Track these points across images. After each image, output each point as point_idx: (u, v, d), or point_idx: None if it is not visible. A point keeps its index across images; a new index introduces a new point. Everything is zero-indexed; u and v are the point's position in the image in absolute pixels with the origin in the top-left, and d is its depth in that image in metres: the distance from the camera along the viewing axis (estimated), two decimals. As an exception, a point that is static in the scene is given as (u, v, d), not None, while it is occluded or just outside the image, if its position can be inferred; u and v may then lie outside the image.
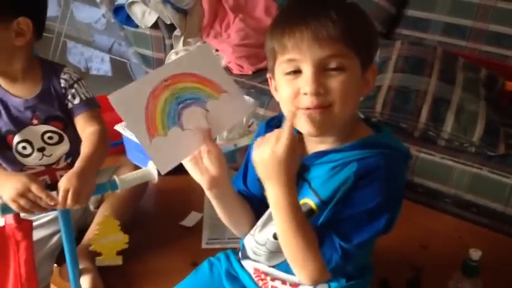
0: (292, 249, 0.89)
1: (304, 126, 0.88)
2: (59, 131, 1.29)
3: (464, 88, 1.85)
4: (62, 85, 1.28)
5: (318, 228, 0.89)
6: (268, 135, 0.88)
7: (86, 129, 1.28)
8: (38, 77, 1.28)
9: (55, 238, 1.31)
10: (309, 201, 0.93)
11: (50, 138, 1.29)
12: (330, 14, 0.84)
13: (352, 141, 0.91)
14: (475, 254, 1.10)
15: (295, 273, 0.92)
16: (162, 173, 0.90)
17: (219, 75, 0.95)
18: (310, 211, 0.92)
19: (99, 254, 1.22)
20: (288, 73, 0.87)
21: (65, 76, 1.29)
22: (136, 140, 1.60)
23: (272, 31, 0.90)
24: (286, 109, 0.90)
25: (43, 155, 1.29)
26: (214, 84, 0.94)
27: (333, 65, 0.84)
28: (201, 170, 0.93)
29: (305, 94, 0.85)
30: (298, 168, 0.89)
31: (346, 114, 0.87)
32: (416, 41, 2.26)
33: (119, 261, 1.23)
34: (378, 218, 0.86)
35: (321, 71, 0.84)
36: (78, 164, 1.16)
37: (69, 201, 1.08)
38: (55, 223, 1.28)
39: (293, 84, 0.87)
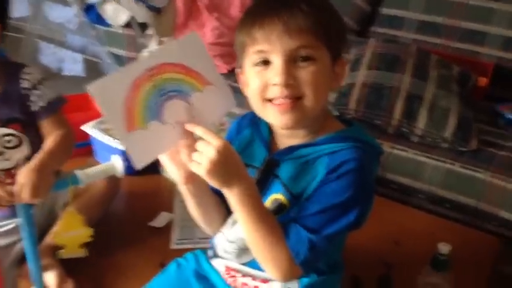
0: (259, 246, 0.88)
1: (276, 119, 0.88)
2: (18, 134, 1.25)
3: (437, 85, 1.86)
4: (24, 86, 1.24)
5: (286, 223, 0.88)
6: (195, 153, 0.84)
7: (52, 132, 1.25)
8: (0, 79, 1.23)
9: (17, 247, 1.27)
10: (280, 196, 0.92)
11: (9, 141, 1.24)
12: (300, 6, 0.84)
13: (322, 135, 0.91)
14: (444, 248, 1.10)
15: (266, 271, 0.91)
16: (138, 167, 0.85)
17: (205, 66, 0.91)
18: (282, 206, 0.91)
19: (62, 249, 1.20)
20: (257, 64, 0.87)
21: (27, 76, 1.24)
22: (104, 140, 1.58)
23: (242, 24, 0.89)
24: (254, 103, 0.90)
25: (2, 158, 1.25)
26: (200, 75, 0.90)
27: (303, 55, 0.84)
28: (178, 164, 0.89)
29: (274, 85, 0.84)
30: (242, 161, 0.86)
31: (317, 107, 0.87)
32: (391, 39, 2.26)
33: (82, 253, 1.19)
34: (349, 211, 0.86)
35: (291, 62, 0.84)
36: (36, 157, 1.14)
37: (25, 195, 1.05)
38: (17, 232, 1.24)
39: (262, 76, 0.86)
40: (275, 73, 0.84)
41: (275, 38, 0.83)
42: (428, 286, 1.14)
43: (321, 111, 0.90)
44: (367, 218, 0.92)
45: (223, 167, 0.82)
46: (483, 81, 2.04)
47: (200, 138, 0.85)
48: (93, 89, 0.80)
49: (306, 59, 0.84)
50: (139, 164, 0.85)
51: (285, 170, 0.92)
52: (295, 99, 0.85)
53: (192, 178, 0.91)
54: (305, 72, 0.84)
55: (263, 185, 0.93)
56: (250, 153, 0.98)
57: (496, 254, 1.43)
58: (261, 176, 0.95)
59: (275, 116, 0.87)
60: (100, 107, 0.82)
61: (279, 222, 0.89)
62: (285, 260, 0.86)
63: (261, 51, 0.86)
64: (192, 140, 0.88)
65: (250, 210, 0.86)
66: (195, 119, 0.88)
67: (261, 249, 0.88)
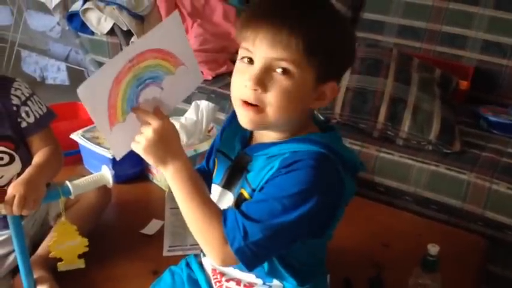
0: (192, 225, 0.90)
1: (240, 118, 0.90)
2: (10, 151, 1.22)
3: (419, 88, 1.89)
4: (14, 102, 1.22)
5: (227, 209, 0.90)
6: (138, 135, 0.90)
7: (41, 148, 1.25)
8: None
9: (11, 258, 1.26)
10: (243, 191, 0.93)
11: (1, 159, 1.22)
12: (294, 23, 0.82)
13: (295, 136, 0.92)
14: (433, 249, 1.12)
15: (205, 253, 0.93)
16: (118, 158, 0.91)
17: (181, 47, 0.92)
18: (244, 201, 0.92)
19: (60, 261, 1.18)
20: (243, 59, 0.88)
21: (17, 92, 1.23)
22: (92, 148, 1.58)
23: (241, 18, 0.91)
24: (232, 97, 0.91)
25: None
26: (174, 57, 0.91)
27: (281, 66, 0.84)
28: None
29: (245, 87, 0.85)
30: (179, 141, 0.92)
31: (278, 120, 0.87)
32: (373, 43, 2.30)
33: (81, 264, 1.19)
34: (291, 208, 0.84)
35: (268, 70, 0.84)
36: (27, 170, 1.14)
37: (14, 207, 1.05)
38: (10, 243, 1.23)
39: (243, 74, 0.87)
40: (249, 76, 0.85)
41: (259, 43, 0.84)
42: (419, 287, 1.16)
43: (290, 122, 0.89)
44: (329, 230, 0.93)
45: (159, 145, 0.88)
46: (464, 84, 2.09)
47: None
48: (80, 92, 0.82)
49: (284, 71, 0.84)
50: (119, 155, 0.91)
51: (254, 166, 0.93)
52: (258, 106, 0.86)
53: None
54: (276, 85, 0.84)
55: (234, 178, 0.96)
56: (230, 145, 1.00)
57: (482, 253, 1.46)
58: (232, 169, 0.97)
59: (240, 116, 0.89)
60: (86, 108, 0.85)
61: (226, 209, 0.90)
62: (219, 244, 0.86)
63: (246, 49, 0.87)
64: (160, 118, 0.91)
65: (184, 187, 0.89)
66: (164, 103, 0.92)
67: (196, 229, 0.90)
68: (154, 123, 0.88)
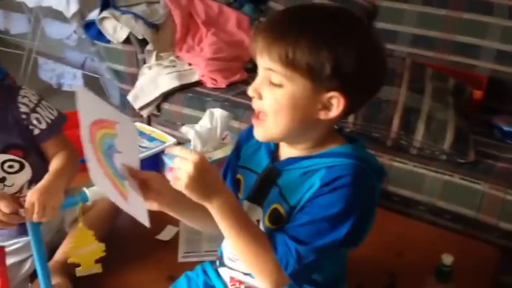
0: (245, 257, 0.90)
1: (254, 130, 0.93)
2: (19, 159, 1.24)
3: (433, 97, 1.89)
4: (22, 110, 1.23)
5: (274, 233, 0.90)
6: (174, 170, 0.85)
7: (56, 153, 1.27)
8: None
9: (28, 264, 1.28)
10: (278, 207, 0.93)
11: (10, 167, 1.24)
12: (292, 35, 0.83)
13: (324, 149, 0.93)
14: (448, 259, 1.12)
15: (257, 280, 0.93)
16: (148, 225, 0.86)
17: (106, 110, 0.84)
18: (279, 217, 0.93)
19: (77, 267, 1.20)
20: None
21: (24, 100, 1.24)
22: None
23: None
24: None
25: (4, 185, 1.25)
26: (107, 121, 0.84)
27: (273, 79, 0.86)
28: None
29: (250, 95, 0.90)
30: (219, 174, 0.91)
31: (279, 129, 0.88)
32: (386, 53, 2.30)
33: (98, 269, 1.20)
34: (338, 226, 0.86)
35: (267, 79, 0.87)
36: (45, 178, 1.16)
37: (34, 215, 1.07)
38: (26, 249, 1.25)
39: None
40: (252, 85, 0.89)
41: (257, 54, 0.88)
42: (432, 296, 1.16)
43: (302, 130, 0.89)
44: (364, 236, 0.94)
45: (201, 180, 0.83)
46: (478, 93, 2.08)
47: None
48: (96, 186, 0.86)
49: (276, 81, 0.86)
50: (147, 222, 0.86)
51: (285, 180, 0.94)
52: (259, 115, 0.89)
53: (171, 201, 0.93)
54: (270, 94, 0.87)
55: (264, 193, 0.96)
56: (255, 160, 1.01)
57: (497, 264, 1.45)
58: (261, 183, 0.97)
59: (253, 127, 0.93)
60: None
61: (271, 232, 0.91)
62: (273, 270, 0.87)
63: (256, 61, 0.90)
64: (145, 175, 0.89)
65: (232, 222, 0.87)
66: (130, 164, 0.86)
67: (248, 260, 0.90)
68: (194, 157, 0.83)
